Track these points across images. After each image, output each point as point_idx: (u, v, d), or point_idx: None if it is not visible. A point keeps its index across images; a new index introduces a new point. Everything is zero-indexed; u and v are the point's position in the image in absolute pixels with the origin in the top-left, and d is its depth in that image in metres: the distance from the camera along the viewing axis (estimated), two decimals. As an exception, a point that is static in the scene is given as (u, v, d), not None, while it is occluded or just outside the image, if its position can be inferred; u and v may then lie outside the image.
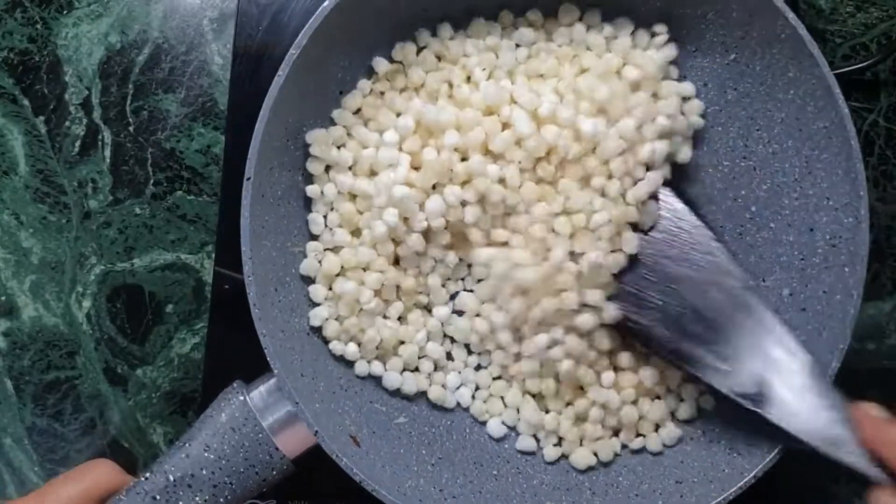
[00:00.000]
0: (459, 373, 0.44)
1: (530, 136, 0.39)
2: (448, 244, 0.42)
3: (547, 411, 0.43)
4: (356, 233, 0.42)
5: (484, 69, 0.42)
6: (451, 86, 0.42)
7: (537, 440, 0.43)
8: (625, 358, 0.42)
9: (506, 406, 0.43)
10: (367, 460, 0.39)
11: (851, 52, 0.50)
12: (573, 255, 0.39)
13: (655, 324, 0.40)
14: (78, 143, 0.51)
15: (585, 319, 0.39)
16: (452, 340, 0.44)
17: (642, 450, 0.42)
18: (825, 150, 0.39)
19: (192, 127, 0.51)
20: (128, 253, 0.51)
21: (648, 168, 0.40)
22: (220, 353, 0.47)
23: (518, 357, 0.42)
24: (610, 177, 0.40)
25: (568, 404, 0.42)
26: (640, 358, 0.42)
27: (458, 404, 0.44)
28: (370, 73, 0.43)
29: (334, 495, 0.46)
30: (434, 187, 0.41)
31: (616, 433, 0.43)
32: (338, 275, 0.42)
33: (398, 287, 0.42)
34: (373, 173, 0.42)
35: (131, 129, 0.51)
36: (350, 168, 0.43)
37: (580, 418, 0.42)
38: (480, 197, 0.40)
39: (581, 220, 0.39)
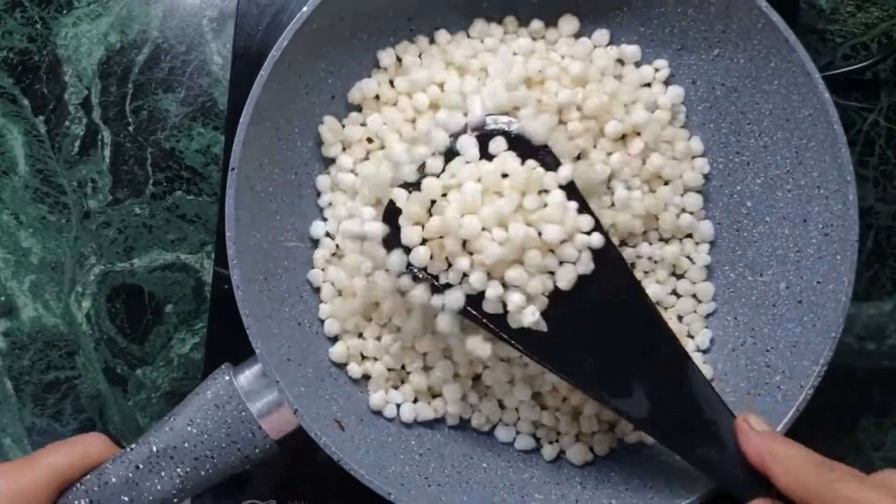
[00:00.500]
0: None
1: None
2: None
3: (544, 408, 0.43)
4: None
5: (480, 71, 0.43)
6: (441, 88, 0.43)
7: (536, 439, 0.43)
8: None
9: (503, 407, 0.43)
10: (351, 444, 0.39)
11: (852, 52, 0.50)
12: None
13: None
14: (77, 143, 0.51)
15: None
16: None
17: (636, 444, 0.42)
18: (812, 139, 0.40)
19: (191, 127, 0.51)
20: (127, 253, 0.51)
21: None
22: (219, 353, 0.47)
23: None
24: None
25: (564, 399, 0.42)
26: None
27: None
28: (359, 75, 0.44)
29: (334, 495, 0.47)
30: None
31: (611, 427, 0.43)
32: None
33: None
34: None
35: (131, 128, 0.51)
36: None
37: (576, 413, 0.42)
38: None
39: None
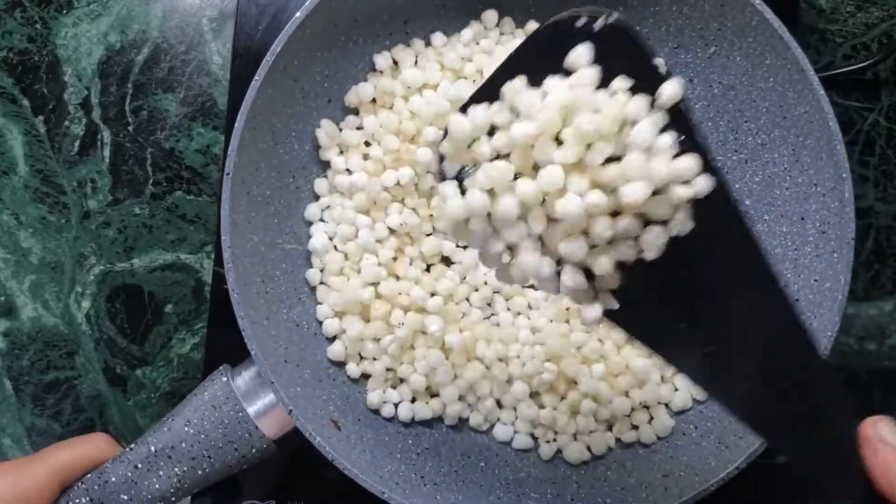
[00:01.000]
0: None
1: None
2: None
3: (542, 407, 0.43)
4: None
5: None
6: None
7: (534, 438, 0.43)
8: (616, 349, 0.42)
9: (501, 406, 0.43)
10: (347, 443, 0.39)
11: (852, 52, 0.50)
12: None
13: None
14: (77, 143, 0.51)
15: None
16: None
17: (634, 444, 0.42)
18: (809, 136, 0.40)
19: (191, 127, 0.50)
20: (127, 253, 0.50)
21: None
22: (219, 353, 0.47)
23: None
24: None
25: (562, 398, 0.42)
26: (631, 348, 0.42)
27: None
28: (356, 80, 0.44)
29: (333, 496, 0.46)
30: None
31: (610, 427, 0.43)
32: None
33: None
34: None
35: (131, 128, 0.51)
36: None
37: (574, 412, 0.42)
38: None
39: None
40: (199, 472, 0.39)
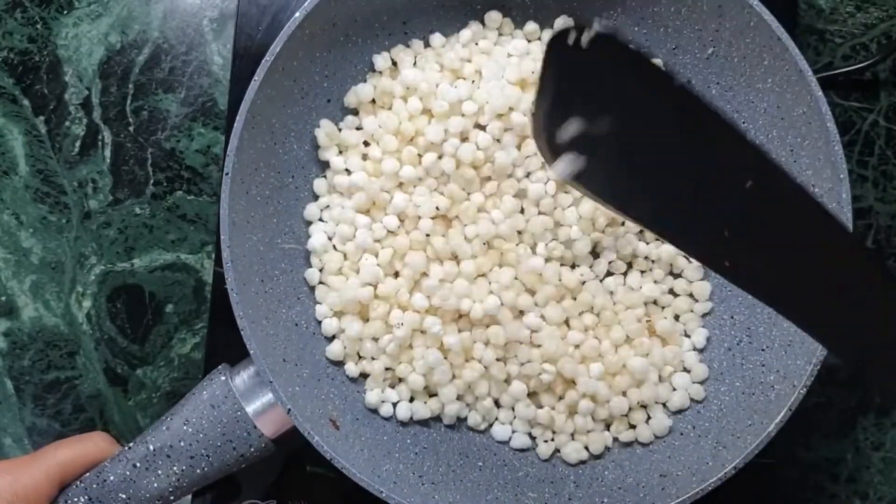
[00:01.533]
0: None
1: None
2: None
3: (540, 407, 0.43)
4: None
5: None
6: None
7: (532, 438, 0.43)
8: (613, 348, 0.42)
9: (499, 406, 0.43)
10: (346, 443, 0.39)
11: (851, 52, 0.50)
12: None
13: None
14: (78, 143, 0.51)
15: None
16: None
17: (632, 443, 0.43)
18: (806, 137, 0.40)
19: (192, 127, 0.51)
20: (128, 253, 0.51)
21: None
22: (219, 353, 0.47)
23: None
24: None
25: (560, 398, 0.42)
26: (628, 348, 0.43)
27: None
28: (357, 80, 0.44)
29: (334, 495, 0.47)
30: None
31: (607, 426, 0.43)
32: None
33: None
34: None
35: (131, 129, 0.51)
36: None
37: (571, 411, 0.42)
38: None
39: None
40: (198, 471, 0.39)
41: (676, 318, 0.44)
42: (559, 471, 0.42)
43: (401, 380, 0.43)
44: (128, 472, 0.39)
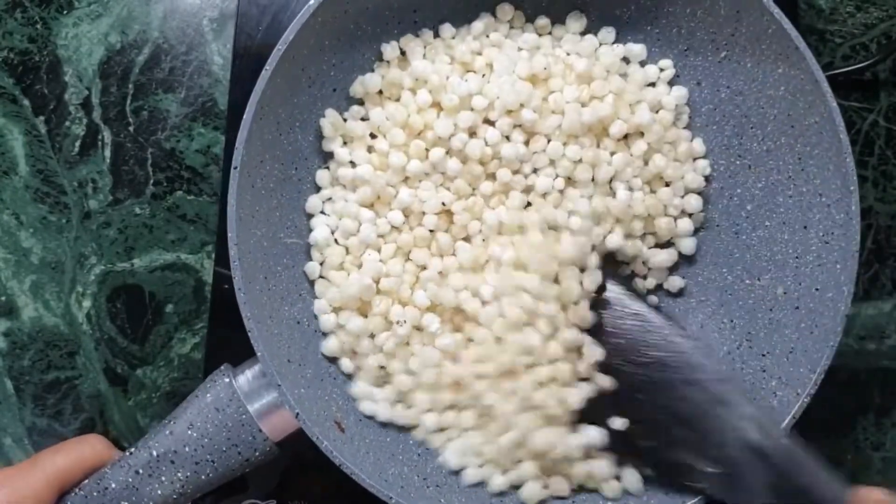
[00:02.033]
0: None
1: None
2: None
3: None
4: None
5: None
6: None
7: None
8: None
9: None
10: (351, 446, 0.39)
11: (851, 52, 0.50)
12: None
13: (637, 437, 0.38)
14: (78, 143, 0.51)
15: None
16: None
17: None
18: (816, 146, 0.39)
19: (192, 127, 0.51)
20: (128, 253, 0.51)
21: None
22: (219, 353, 0.47)
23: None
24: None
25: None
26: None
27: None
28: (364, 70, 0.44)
29: (334, 496, 0.47)
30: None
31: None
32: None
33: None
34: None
35: (131, 129, 0.51)
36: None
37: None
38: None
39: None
40: (202, 477, 0.38)
41: None
42: None
43: (388, 383, 0.42)
44: (130, 479, 0.38)
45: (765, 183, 0.42)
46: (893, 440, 0.50)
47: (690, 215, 0.44)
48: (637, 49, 0.44)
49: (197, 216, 0.50)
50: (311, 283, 0.43)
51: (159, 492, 0.38)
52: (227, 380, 0.38)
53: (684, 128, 0.44)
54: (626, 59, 0.44)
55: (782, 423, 0.38)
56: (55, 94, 0.51)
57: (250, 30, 0.48)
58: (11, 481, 0.37)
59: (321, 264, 0.43)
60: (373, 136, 0.43)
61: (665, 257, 0.44)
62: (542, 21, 0.44)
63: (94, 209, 0.51)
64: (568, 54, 0.44)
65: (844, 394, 0.50)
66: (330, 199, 0.43)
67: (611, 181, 0.43)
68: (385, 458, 0.40)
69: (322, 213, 0.43)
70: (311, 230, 0.43)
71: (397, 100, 0.43)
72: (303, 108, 0.42)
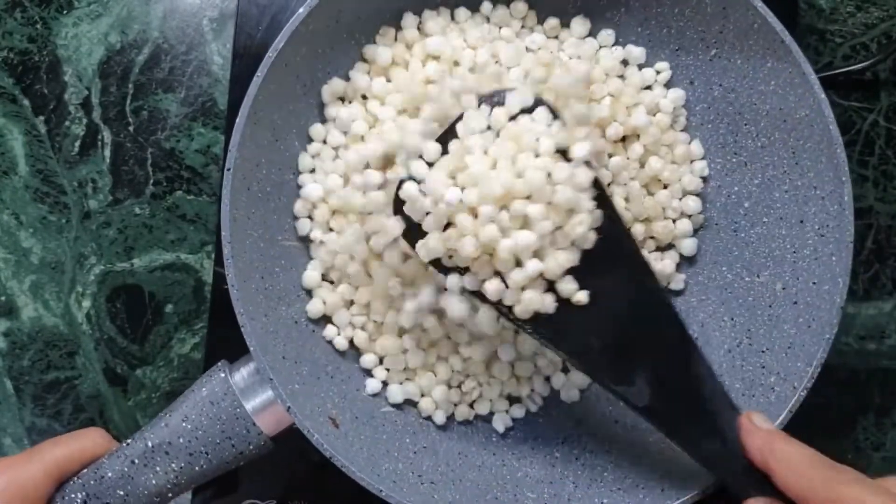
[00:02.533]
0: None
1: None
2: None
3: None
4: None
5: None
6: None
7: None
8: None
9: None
10: (345, 441, 0.39)
11: (851, 52, 0.50)
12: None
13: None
14: (78, 143, 0.51)
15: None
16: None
17: (633, 444, 0.42)
18: (809, 139, 0.40)
19: (191, 127, 0.51)
20: (127, 253, 0.51)
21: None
22: (219, 352, 0.47)
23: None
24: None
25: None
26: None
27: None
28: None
29: (334, 495, 0.47)
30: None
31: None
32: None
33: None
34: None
35: (131, 128, 0.51)
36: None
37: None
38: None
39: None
40: (196, 468, 0.38)
41: None
42: (558, 471, 0.42)
43: (383, 361, 0.43)
44: (126, 469, 0.38)
45: (761, 179, 0.42)
46: (893, 440, 0.50)
47: (689, 217, 0.44)
48: (637, 52, 0.44)
49: (197, 216, 0.50)
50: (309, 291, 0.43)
51: (154, 481, 0.38)
52: (222, 375, 0.39)
53: (681, 130, 0.44)
54: (624, 62, 0.44)
55: (779, 418, 0.38)
56: (55, 93, 0.51)
57: (250, 30, 0.48)
58: (10, 470, 0.38)
59: (310, 218, 0.43)
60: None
61: (667, 262, 0.44)
62: (552, 22, 0.44)
63: (94, 209, 0.51)
64: (570, 58, 0.44)
65: (844, 394, 0.50)
66: (318, 154, 0.43)
67: (608, 184, 0.43)
68: (380, 455, 0.40)
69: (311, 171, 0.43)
70: (300, 187, 0.43)
71: (406, 67, 0.43)
72: (298, 115, 0.42)
